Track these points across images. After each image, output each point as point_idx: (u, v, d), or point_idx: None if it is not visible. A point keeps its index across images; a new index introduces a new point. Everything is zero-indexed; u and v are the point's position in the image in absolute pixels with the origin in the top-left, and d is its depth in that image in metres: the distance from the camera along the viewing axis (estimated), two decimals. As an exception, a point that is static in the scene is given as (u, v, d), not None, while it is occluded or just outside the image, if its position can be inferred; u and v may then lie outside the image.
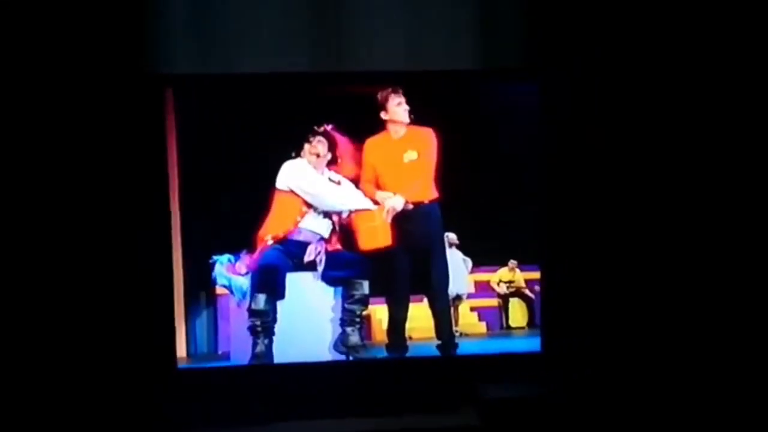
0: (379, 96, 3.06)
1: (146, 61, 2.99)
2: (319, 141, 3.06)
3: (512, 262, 3.23)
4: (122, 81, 2.91)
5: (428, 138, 3.07)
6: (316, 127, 3.06)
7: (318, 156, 3.06)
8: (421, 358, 3.09)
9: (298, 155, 3.06)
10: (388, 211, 3.04)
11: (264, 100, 3.05)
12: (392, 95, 3.06)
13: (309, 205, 3.07)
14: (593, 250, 3.07)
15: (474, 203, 3.13)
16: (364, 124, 3.06)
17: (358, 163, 3.11)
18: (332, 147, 3.09)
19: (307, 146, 3.06)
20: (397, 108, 3.07)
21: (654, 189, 3.04)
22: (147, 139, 2.93)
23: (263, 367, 2.99)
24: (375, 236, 3.04)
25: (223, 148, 3.03)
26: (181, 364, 3.02)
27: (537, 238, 3.10)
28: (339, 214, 3.10)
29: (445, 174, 3.08)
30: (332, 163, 3.10)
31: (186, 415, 2.87)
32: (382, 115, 3.08)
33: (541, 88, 3.05)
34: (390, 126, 3.09)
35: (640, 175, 3.05)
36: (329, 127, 3.06)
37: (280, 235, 3.04)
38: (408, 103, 3.06)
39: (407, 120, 3.07)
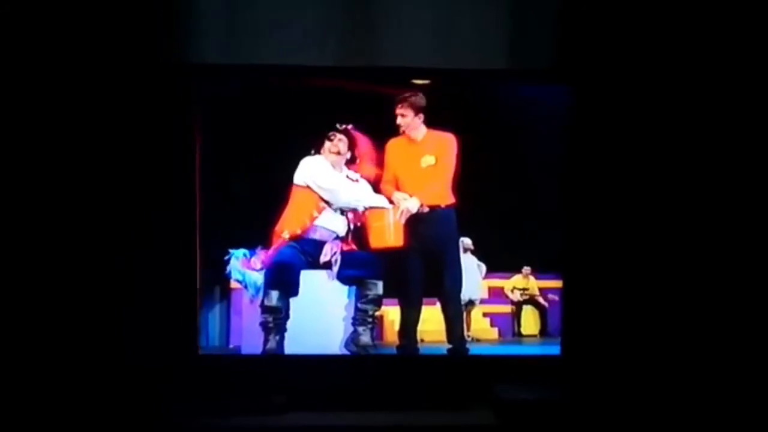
0: (397, 105, 3.06)
1: (175, 52, 3.04)
2: (340, 139, 3.08)
3: (526, 269, 3.21)
4: (149, 71, 2.95)
5: (447, 143, 3.07)
6: (338, 125, 3.07)
7: (338, 153, 3.08)
8: (438, 356, 3.10)
9: (317, 152, 3.08)
10: (402, 212, 3.05)
11: (285, 93, 3.06)
12: (407, 108, 3.06)
13: (326, 202, 3.08)
14: (617, 254, 3.06)
15: (492, 209, 3.11)
16: (385, 123, 3.07)
17: (378, 163, 3.11)
18: (352, 146, 3.10)
19: (327, 144, 3.08)
20: (410, 121, 3.07)
21: (679, 198, 3.03)
22: (172, 129, 2.97)
23: (279, 358, 3.02)
24: (386, 235, 3.05)
25: (242, 142, 3.05)
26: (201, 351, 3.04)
27: (557, 246, 3.10)
28: (354, 211, 3.11)
29: (464, 178, 3.07)
30: (351, 163, 3.12)
31: (203, 401, 2.91)
32: (399, 120, 3.08)
33: (572, 91, 3.04)
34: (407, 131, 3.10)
35: (665, 185, 3.03)
36: (350, 127, 3.08)
37: (297, 232, 3.06)
38: (426, 105, 3.06)
39: (418, 134, 3.08)
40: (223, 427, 2.79)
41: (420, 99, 3.06)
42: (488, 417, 2.87)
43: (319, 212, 3.08)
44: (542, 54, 3.14)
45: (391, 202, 3.08)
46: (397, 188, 3.10)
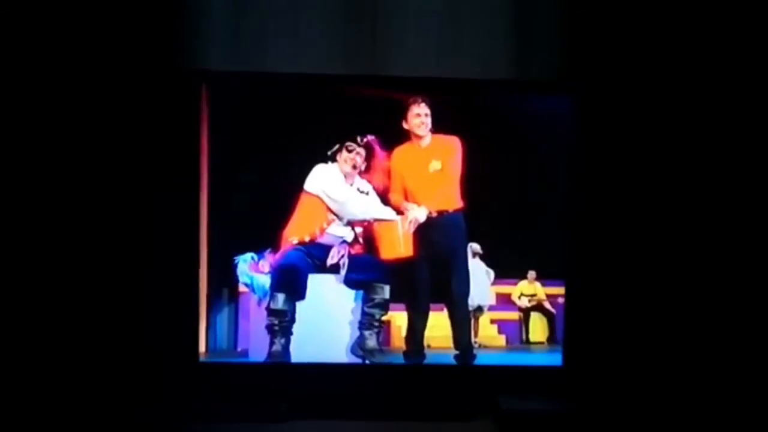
0: (415, 106, 3.05)
1: (182, 57, 3.04)
2: (358, 153, 3.06)
3: (531, 274, 3.20)
4: (158, 76, 2.97)
5: (453, 147, 3.06)
6: (359, 138, 3.05)
7: (353, 167, 3.06)
8: (441, 366, 3.10)
9: (333, 160, 3.06)
10: (410, 222, 3.04)
11: (294, 100, 3.06)
12: (412, 106, 3.05)
13: (334, 214, 3.07)
14: (620, 266, 3.06)
15: (500, 214, 3.11)
16: (392, 131, 3.06)
17: (387, 173, 3.10)
18: (369, 157, 3.08)
19: (345, 154, 3.06)
20: (415, 119, 3.05)
21: (685, 206, 3.02)
22: (180, 134, 2.98)
23: (283, 365, 3.03)
24: (396, 246, 3.04)
25: (253, 147, 3.05)
26: (202, 359, 3.04)
27: (562, 252, 3.10)
28: (362, 223, 3.10)
29: (471, 183, 3.06)
30: (364, 172, 3.10)
31: (205, 408, 2.93)
32: (404, 124, 3.07)
33: (574, 101, 3.04)
34: (412, 136, 3.08)
35: (669, 192, 3.03)
36: (371, 138, 3.06)
37: (306, 240, 3.06)
38: (432, 112, 3.04)
39: (423, 134, 3.06)
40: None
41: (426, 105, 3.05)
42: (490, 428, 2.88)
43: (328, 224, 3.08)
44: (546, 64, 3.13)
45: (400, 212, 3.07)
46: (406, 197, 3.09)
